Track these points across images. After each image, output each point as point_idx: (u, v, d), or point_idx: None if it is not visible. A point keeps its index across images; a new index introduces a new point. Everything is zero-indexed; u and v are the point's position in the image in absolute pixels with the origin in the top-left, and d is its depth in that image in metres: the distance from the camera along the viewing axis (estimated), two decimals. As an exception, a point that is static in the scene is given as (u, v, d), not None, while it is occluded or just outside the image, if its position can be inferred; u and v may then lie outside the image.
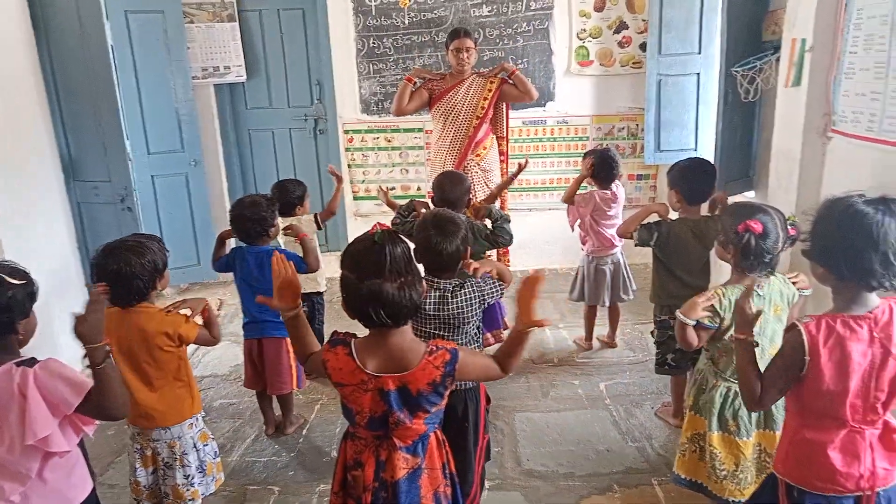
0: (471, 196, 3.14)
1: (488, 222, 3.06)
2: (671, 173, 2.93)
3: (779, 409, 2.12)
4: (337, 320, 1.64)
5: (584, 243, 3.73)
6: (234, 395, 3.55)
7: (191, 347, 2.41)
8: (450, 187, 2.97)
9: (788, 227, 2.12)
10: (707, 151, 4.39)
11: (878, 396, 1.62)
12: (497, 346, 1.96)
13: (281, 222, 3.22)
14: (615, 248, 3.67)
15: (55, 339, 3.09)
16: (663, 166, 4.66)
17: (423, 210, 2.90)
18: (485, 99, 3.96)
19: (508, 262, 4.17)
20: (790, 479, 1.72)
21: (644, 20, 4.87)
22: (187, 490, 2.34)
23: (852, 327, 1.59)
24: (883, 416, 1.65)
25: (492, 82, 3.99)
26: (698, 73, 4.57)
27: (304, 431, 3.20)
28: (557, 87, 5.10)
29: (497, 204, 3.92)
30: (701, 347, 2.31)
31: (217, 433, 3.13)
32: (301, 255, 2.96)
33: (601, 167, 3.54)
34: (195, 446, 2.38)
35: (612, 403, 3.31)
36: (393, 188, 5.18)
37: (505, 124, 4.21)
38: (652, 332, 3.08)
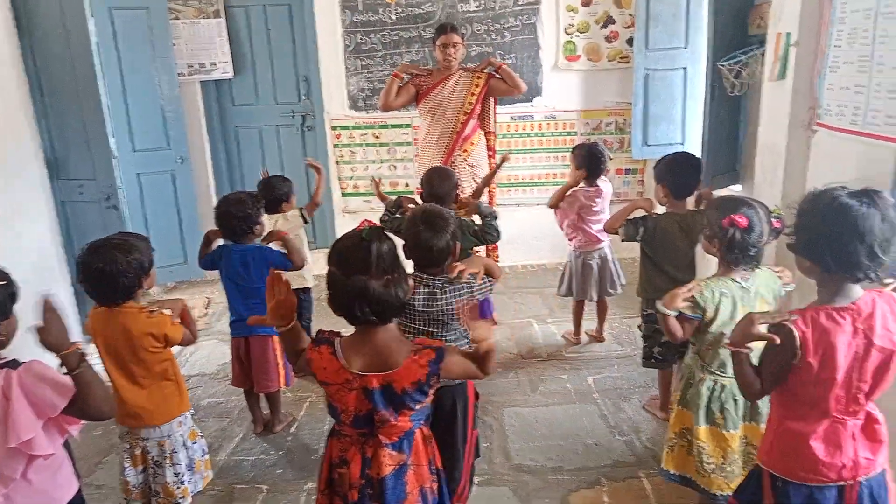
0: (458, 191, 3.14)
1: (476, 218, 3.06)
2: (658, 168, 2.94)
3: (764, 402, 2.13)
4: (325, 317, 1.63)
5: (570, 239, 3.73)
6: (221, 393, 3.53)
7: (178, 347, 2.40)
8: (438, 182, 2.97)
9: (772, 220, 2.13)
10: (694, 146, 4.40)
11: (861, 387, 1.63)
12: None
13: (267, 219, 3.21)
14: (602, 244, 3.68)
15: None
16: (651, 161, 4.67)
17: (411, 206, 2.90)
18: (472, 95, 3.95)
19: (498, 257, 4.18)
20: (774, 469, 1.73)
21: (631, 15, 4.88)
22: (177, 488, 2.34)
23: (836, 319, 1.60)
24: (865, 407, 1.66)
25: (479, 78, 3.98)
26: (685, 68, 4.58)
27: (293, 429, 3.19)
28: (545, 82, 5.10)
29: (486, 199, 3.93)
30: (687, 341, 2.34)
31: (205, 432, 3.10)
32: (286, 252, 2.95)
33: (588, 162, 3.55)
34: (184, 444, 2.38)
35: (600, 397, 3.32)
36: (382, 183, 5.16)
37: (493, 120, 4.20)
38: (639, 326, 3.09)
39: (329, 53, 5.08)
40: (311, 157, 4.37)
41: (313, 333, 1.76)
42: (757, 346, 1.72)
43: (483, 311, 3.39)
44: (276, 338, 2.93)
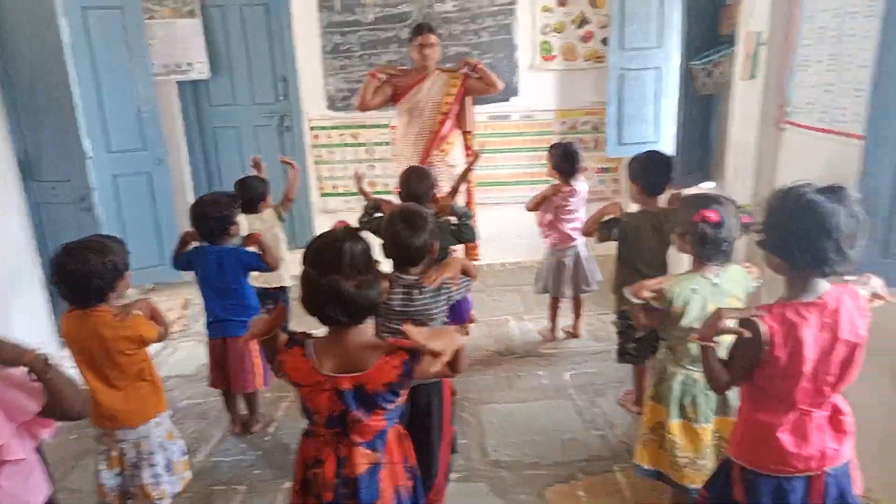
0: (436, 191, 3.15)
1: (453, 218, 3.08)
2: (631, 166, 2.98)
3: (735, 396, 2.16)
4: (304, 316, 1.63)
5: (546, 237, 3.77)
6: (199, 395, 3.51)
7: (156, 347, 2.39)
8: (416, 182, 2.99)
9: (742, 215, 2.17)
10: (668, 144, 4.45)
11: (827, 380, 1.66)
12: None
13: (244, 220, 3.20)
14: (576, 242, 3.71)
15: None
16: (626, 159, 4.70)
17: (388, 207, 2.91)
18: (449, 95, 3.96)
19: (478, 255, 4.19)
20: (744, 461, 1.76)
21: (606, 15, 4.92)
22: (155, 489, 2.33)
23: (803, 314, 1.63)
24: (831, 399, 1.70)
25: (456, 78, 3.99)
26: (659, 67, 4.62)
27: (271, 429, 3.19)
28: (522, 81, 5.12)
29: (463, 198, 3.95)
30: (659, 337, 2.37)
31: (183, 434, 3.05)
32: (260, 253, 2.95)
33: (563, 161, 3.58)
34: (162, 445, 2.37)
35: (576, 393, 3.35)
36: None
37: (470, 119, 4.21)
38: (614, 323, 3.13)
39: (307, 54, 5.06)
40: (290, 157, 4.34)
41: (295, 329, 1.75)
42: (726, 340, 1.75)
43: (461, 309, 3.41)
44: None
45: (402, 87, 4.00)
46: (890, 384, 2.35)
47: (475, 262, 4.14)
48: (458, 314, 3.39)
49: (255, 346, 2.96)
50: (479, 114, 4.70)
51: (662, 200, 2.97)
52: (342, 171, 5.29)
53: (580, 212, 3.70)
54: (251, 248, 2.95)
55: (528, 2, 4.96)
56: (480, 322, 4.14)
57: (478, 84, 4.00)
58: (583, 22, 5.01)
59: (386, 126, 5.13)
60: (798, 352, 1.62)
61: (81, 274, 2.11)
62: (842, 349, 1.64)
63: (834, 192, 1.59)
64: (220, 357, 2.98)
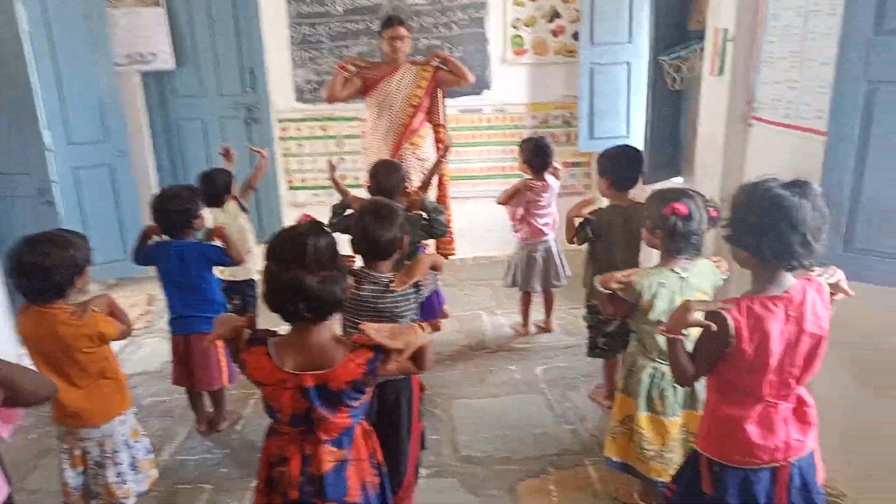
0: (406, 184, 3.13)
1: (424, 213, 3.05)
2: (600, 161, 2.99)
3: (702, 389, 2.18)
4: (271, 312, 1.59)
5: (517, 231, 3.77)
6: (164, 392, 3.44)
7: (120, 343, 2.33)
8: (385, 176, 2.95)
9: (709, 208, 2.19)
10: (639, 139, 4.47)
11: (792, 372, 1.68)
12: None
13: (209, 213, 3.14)
14: (547, 237, 3.72)
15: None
16: (598, 154, 4.73)
17: (359, 205, 2.88)
18: (419, 87, 3.93)
19: (454, 250, 4.16)
20: (711, 454, 1.78)
21: (576, 9, 4.93)
22: (120, 488, 2.29)
23: (770, 308, 1.64)
24: (796, 391, 1.72)
25: (426, 71, 3.96)
26: (629, 62, 4.65)
27: (239, 427, 3.14)
28: (493, 75, 5.11)
29: (434, 193, 3.93)
30: (630, 330, 2.39)
31: (147, 432, 2.99)
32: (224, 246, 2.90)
33: (535, 155, 3.58)
34: (126, 443, 2.33)
35: (547, 387, 3.36)
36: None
37: (441, 112, 4.19)
38: (584, 317, 3.14)
39: (275, 45, 4.99)
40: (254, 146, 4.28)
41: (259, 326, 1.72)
42: (693, 333, 1.76)
43: (434, 304, 3.40)
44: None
45: (371, 79, 3.96)
46: (851, 378, 2.40)
47: (451, 257, 4.15)
48: (431, 309, 3.39)
49: (220, 343, 2.91)
50: (451, 107, 4.68)
51: (633, 195, 2.98)
52: (311, 164, 5.23)
53: (552, 207, 3.71)
54: (215, 242, 2.89)
55: (498, -5, 4.94)
56: (452, 317, 4.11)
57: (448, 77, 3.98)
58: (553, 16, 5.01)
59: (356, 119, 5.08)
60: (765, 345, 1.64)
61: (40, 267, 2.07)
62: (807, 342, 1.66)
63: (798, 186, 1.61)
64: (184, 354, 2.92)
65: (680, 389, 2.25)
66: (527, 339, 3.91)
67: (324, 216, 2.46)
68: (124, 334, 2.32)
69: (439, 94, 4.11)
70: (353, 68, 3.95)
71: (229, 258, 2.86)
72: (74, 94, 4.44)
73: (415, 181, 3.85)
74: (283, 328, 1.65)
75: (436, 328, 3.31)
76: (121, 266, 4.69)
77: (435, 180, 3.78)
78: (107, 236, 4.53)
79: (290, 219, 5.17)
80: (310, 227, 1.59)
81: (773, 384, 1.69)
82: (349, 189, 3.37)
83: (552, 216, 3.76)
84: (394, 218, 2.13)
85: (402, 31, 3.87)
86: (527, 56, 5.09)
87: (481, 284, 4.78)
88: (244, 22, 5.01)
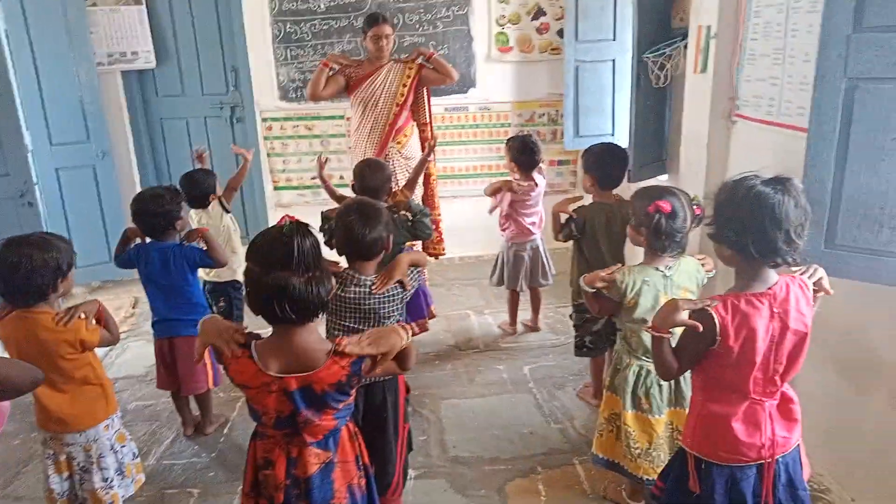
0: (392, 184, 3.11)
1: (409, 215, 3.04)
2: (585, 158, 2.99)
3: (689, 387, 2.19)
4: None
5: (504, 230, 3.76)
6: (150, 396, 3.41)
7: (104, 348, 2.31)
8: (370, 175, 2.93)
9: (694, 206, 2.19)
10: (624, 136, 4.48)
11: (777, 369, 1.69)
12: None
13: (194, 215, 3.11)
14: (534, 235, 3.72)
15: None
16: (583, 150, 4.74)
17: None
18: (404, 86, 3.92)
19: (444, 250, 4.15)
20: (698, 452, 1.78)
21: (561, 7, 4.92)
22: (106, 493, 2.27)
23: (755, 305, 1.65)
24: (780, 388, 1.73)
25: (411, 69, 3.95)
26: (614, 60, 4.65)
27: (226, 430, 3.11)
28: (478, 73, 5.10)
29: (420, 192, 3.91)
30: (616, 328, 2.39)
31: (133, 436, 2.98)
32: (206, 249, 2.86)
33: (522, 153, 3.58)
34: (112, 448, 2.31)
35: (535, 386, 3.36)
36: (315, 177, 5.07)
37: (427, 111, 4.18)
38: (570, 316, 3.14)
39: (257, 42, 4.94)
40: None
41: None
42: (676, 330, 1.77)
43: (421, 304, 3.39)
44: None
45: (355, 78, 3.94)
46: (834, 375, 2.42)
47: (441, 256, 4.14)
48: (418, 307, 3.38)
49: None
50: (437, 106, 4.66)
51: (617, 192, 2.99)
52: (296, 163, 5.20)
53: (538, 206, 3.71)
54: (197, 244, 2.87)
55: (483, -8, 4.93)
56: (440, 316, 4.10)
57: (433, 75, 3.97)
58: (538, 13, 5.01)
59: (341, 117, 5.05)
60: (750, 342, 1.65)
61: (21, 269, 2.04)
62: (791, 339, 1.67)
63: (781, 183, 1.61)
64: (169, 358, 2.89)
65: (666, 387, 2.25)
66: (514, 339, 3.91)
67: (308, 217, 2.44)
68: (108, 343, 2.29)
69: (424, 93, 4.10)
70: (335, 65, 3.93)
71: (212, 260, 2.83)
72: (55, 93, 4.39)
73: (401, 180, 3.84)
74: (267, 331, 1.64)
75: (423, 329, 3.30)
76: (104, 269, 4.66)
77: (421, 179, 3.77)
78: (90, 238, 4.48)
79: (275, 219, 5.13)
80: (292, 227, 1.57)
81: (759, 381, 1.69)
82: (336, 188, 3.36)
83: (539, 215, 3.76)
84: (379, 217, 2.11)
85: (387, 29, 3.85)
86: (512, 54, 5.08)
87: (469, 284, 4.77)
88: (226, 19, 4.96)
